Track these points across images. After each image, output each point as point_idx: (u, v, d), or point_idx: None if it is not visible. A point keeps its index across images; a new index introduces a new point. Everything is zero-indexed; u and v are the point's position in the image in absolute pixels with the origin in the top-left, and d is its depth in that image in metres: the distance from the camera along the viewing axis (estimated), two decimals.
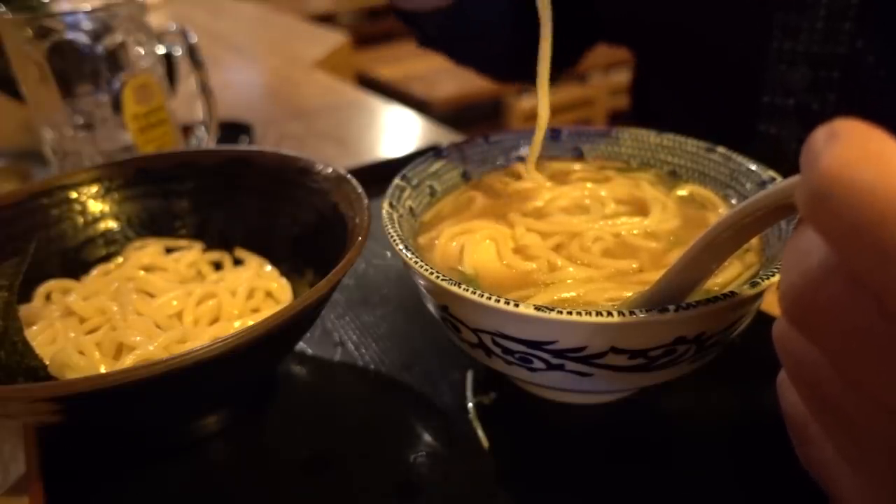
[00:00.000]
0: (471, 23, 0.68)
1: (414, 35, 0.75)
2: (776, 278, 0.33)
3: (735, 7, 0.61)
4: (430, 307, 0.41)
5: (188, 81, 0.72)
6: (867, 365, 0.21)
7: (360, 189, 0.45)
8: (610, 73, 2.86)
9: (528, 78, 0.75)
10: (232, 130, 0.91)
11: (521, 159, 0.54)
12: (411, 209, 0.46)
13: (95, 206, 0.52)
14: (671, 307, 0.31)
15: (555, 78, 0.78)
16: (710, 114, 0.68)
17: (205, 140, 0.72)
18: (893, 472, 0.23)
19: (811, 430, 0.28)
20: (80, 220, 0.51)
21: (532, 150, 0.50)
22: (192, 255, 0.51)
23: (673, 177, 0.52)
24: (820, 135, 0.20)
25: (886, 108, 0.56)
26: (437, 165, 0.50)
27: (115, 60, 0.61)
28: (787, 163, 0.45)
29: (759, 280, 0.33)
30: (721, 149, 0.49)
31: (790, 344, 0.24)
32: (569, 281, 0.40)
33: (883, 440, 0.22)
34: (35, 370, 0.39)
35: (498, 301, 0.33)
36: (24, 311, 0.44)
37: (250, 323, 0.39)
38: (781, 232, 0.40)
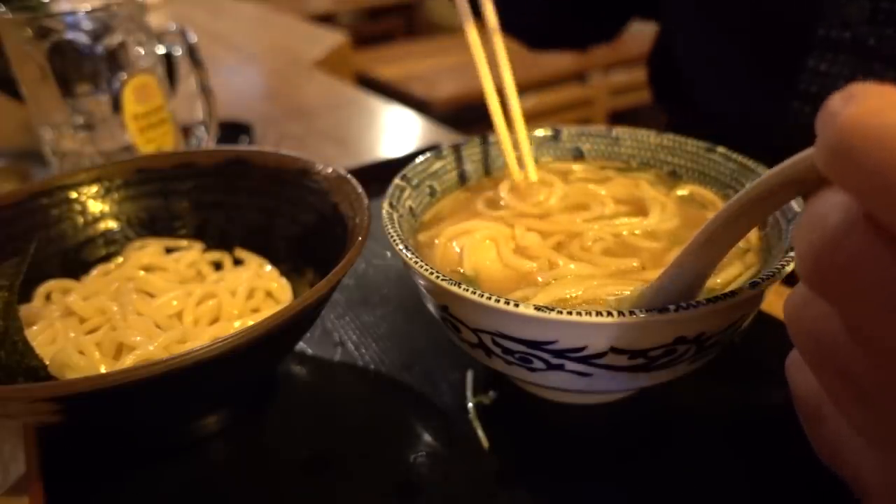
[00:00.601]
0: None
1: None
2: (776, 279, 0.33)
3: None
4: (430, 307, 0.41)
5: (188, 81, 0.72)
6: (890, 323, 0.20)
7: (360, 189, 0.45)
8: (610, 73, 2.86)
9: (559, 46, 0.76)
10: (232, 130, 0.91)
11: (522, 160, 0.54)
12: (411, 209, 0.46)
13: (95, 206, 0.52)
14: (671, 307, 0.31)
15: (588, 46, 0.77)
16: (756, 50, 0.65)
17: (205, 140, 0.72)
18: None
19: (824, 410, 0.27)
20: (80, 220, 0.51)
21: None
22: (192, 255, 0.51)
23: (673, 177, 0.52)
24: (836, 99, 0.20)
25: None
26: (437, 165, 0.50)
27: (115, 60, 0.61)
28: None
29: (760, 280, 0.33)
30: (721, 149, 0.49)
31: (805, 312, 0.24)
32: (569, 278, 0.40)
33: None
34: (35, 370, 0.39)
35: (498, 301, 0.33)
36: (24, 311, 0.44)
37: (250, 323, 0.39)
38: (782, 232, 0.40)
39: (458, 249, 0.43)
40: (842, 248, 0.20)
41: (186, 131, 0.74)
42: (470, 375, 0.46)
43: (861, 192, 0.19)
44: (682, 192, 0.49)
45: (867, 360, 0.22)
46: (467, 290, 0.34)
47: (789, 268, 0.34)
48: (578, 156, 0.55)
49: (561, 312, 0.32)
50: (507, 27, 0.82)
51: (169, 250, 0.52)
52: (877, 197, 0.19)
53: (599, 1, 0.83)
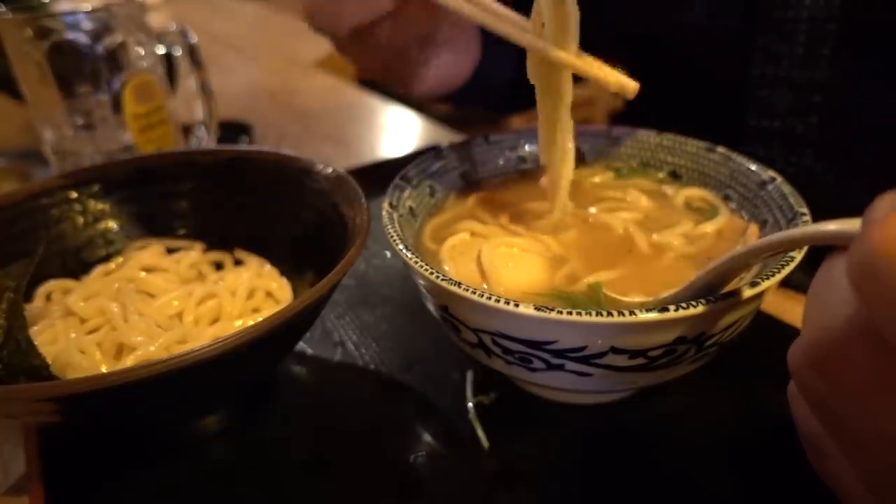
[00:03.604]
0: (487, 87, 0.69)
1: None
2: (776, 279, 0.33)
3: (718, 33, 0.62)
4: (430, 307, 0.41)
5: (188, 81, 0.72)
6: (887, 413, 0.23)
7: (359, 189, 0.45)
8: None
9: (524, 109, 0.75)
10: (232, 130, 0.91)
11: (522, 159, 0.54)
12: (411, 209, 0.47)
13: (95, 206, 0.52)
14: (671, 307, 0.31)
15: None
16: (698, 137, 0.69)
17: (205, 140, 0.72)
18: None
19: (828, 448, 0.28)
20: (80, 220, 0.51)
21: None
22: (192, 255, 0.51)
23: (673, 177, 0.52)
24: (887, 201, 0.21)
25: (867, 130, 0.57)
26: (437, 165, 0.50)
27: (115, 60, 0.61)
28: None
29: (759, 280, 0.33)
30: (721, 149, 0.49)
31: (811, 381, 0.26)
32: None
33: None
34: (38, 369, 0.39)
35: (498, 301, 0.33)
36: (25, 311, 0.44)
37: (251, 323, 0.39)
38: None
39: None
40: (853, 347, 0.23)
41: (186, 131, 0.74)
42: (470, 375, 0.46)
43: (876, 312, 0.21)
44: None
45: (866, 423, 0.24)
46: (467, 290, 0.34)
47: (788, 268, 0.34)
48: (579, 156, 0.54)
49: (561, 312, 0.32)
50: (483, 107, 0.82)
51: (170, 251, 0.52)
52: (890, 324, 0.20)
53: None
